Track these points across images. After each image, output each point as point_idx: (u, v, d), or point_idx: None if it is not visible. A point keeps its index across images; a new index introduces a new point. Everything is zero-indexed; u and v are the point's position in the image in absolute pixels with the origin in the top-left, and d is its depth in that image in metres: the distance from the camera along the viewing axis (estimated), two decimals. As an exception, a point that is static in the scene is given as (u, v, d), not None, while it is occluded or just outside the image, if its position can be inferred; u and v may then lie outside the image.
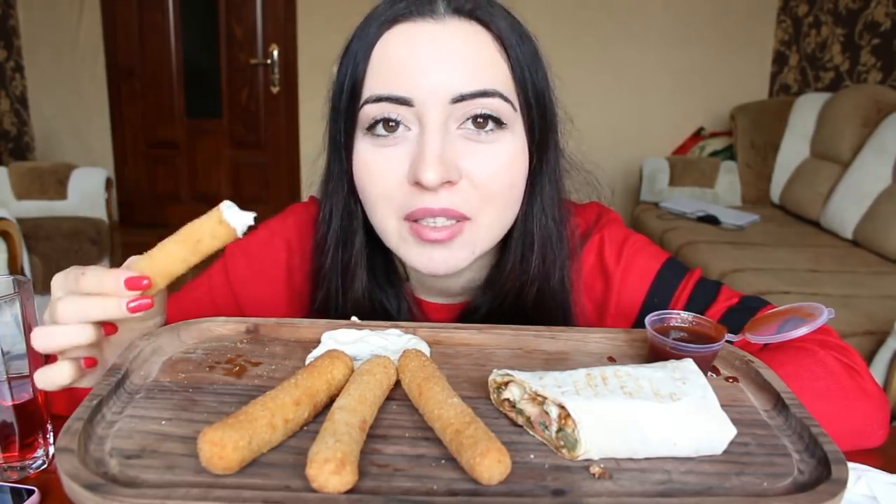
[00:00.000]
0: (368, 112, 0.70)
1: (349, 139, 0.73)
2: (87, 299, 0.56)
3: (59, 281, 0.58)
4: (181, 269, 0.57)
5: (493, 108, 0.69)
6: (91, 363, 0.59)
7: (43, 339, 0.56)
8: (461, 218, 0.70)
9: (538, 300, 0.80)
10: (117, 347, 0.62)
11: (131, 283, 0.55)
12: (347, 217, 0.79)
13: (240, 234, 0.57)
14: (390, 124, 0.70)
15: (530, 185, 0.76)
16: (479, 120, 0.69)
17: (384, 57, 0.70)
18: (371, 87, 0.70)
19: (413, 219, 0.70)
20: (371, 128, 0.71)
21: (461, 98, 0.68)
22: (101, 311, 0.56)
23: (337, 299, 0.81)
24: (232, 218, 0.56)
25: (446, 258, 0.72)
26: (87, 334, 0.56)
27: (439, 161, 0.67)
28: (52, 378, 0.58)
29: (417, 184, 0.68)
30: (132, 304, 0.55)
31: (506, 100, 0.70)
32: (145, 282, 0.55)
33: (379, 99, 0.69)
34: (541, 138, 0.75)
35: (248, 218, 0.56)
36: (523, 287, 0.79)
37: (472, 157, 0.69)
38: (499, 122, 0.70)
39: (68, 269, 0.58)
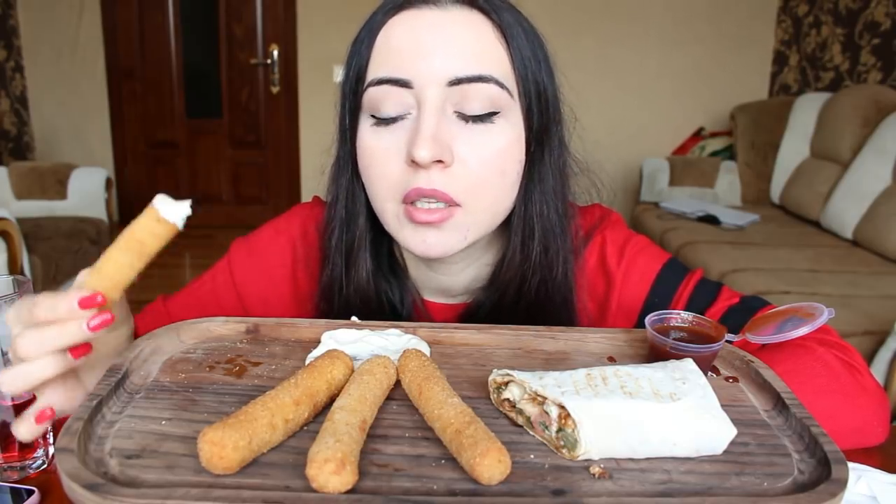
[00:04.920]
0: (371, 94, 0.72)
1: (354, 123, 0.76)
2: (45, 329, 0.53)
3: (13, 316, 0.55)
4: (132, 276, 0.55)
5: (488, 94, 0.71)
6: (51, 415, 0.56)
7: (12, 382, 0.54)
8: (451, 203, 0.71)
9: (540, 295, 0.80)
10: (92, 369, 0.61)
11: (85, 303, 0.52)
12: (351, 199, 0.80)
13: (180, 226, 0.54)
14: (391, 108, 0.72)
15: (529, 174, 0.77)
16: (474, 105, 0.71)
17: (387, 42, 0.72)
18: (374, 70, 0.73)
19: (408, 201, 0.72)
20: (373, 111, 0.73)
21: (458, 81, 0.70)
22: (62, 338, 0.53)
23: (341, 280, 0.82)
24: (168, 212, 0.53)
25: (439, 240, 0.73)
26: (54, 365, 0.54)
27: (433, 139, 0.68)
28: (23, 435, 0.55)
29: (413, 163, 0.69)
30: (93, 323, 0.53)
31: (502, 87, 0.71)
32: (99, 298, 0.53)
33: (381, 81, 0.71)
34: (540, 129, 0.76)
35: (183, 208, 0.54)
36: (525, 278, 0.79)
37: (467, 140, 0.71)
38: (494, 109, 0.71)
39: (19, 302, 0.55)
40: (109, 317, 0.54)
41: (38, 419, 0.55)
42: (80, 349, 0.55)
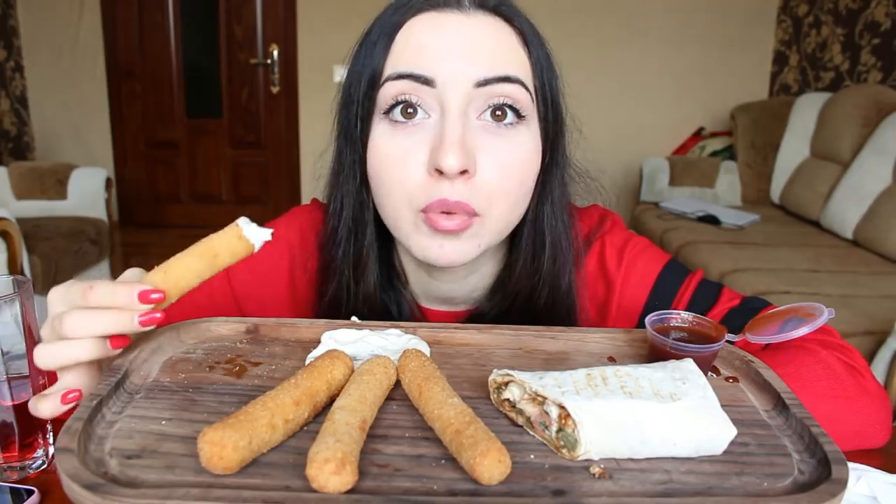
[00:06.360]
0: (388, 91, 0.70)
1: (365, 127, 0.73)
2: (98, 313, 0.53)
3: (59, 295, 0.56)
4: (195, 284, 0.56)
5: (514, 96, 0.69)
6: (77, 398, 0.56)
7: (48, 356, 0.54)
8: (472, 213, 0.70)
9: (548, 304, 0.79)
10: (109, 361, 0.61)
11: (144, 297, 0.53)
12: (359, 207, 0.78)
13: (257, 249, 0.56)
14: (409, 110, 0.69)
15: (541, 185, 0.77)
16: (497, 112, 0.70)
17: (407, 40, 0.70)
18: (392, 67, 0.70)
19: (429, 210, 0.69)
20: (389, 111, 0.70)
21: (484, 82, 0.68)
22: (113, 325, 0.53)
23: (348, 292, 0.80)
24: (251, 234, 0.55)
25: (456, 249, 0.71)
26: (94, 350, 0.54)
27: (460, 147, 0.66)
28: (44, 412, 0.55)
29: (436, 171, 0.67)
30: (143, 318, 0.53)
31: (526, 89, 0.70)
32: (159, 295, 0.53)
33: (401, 76, 0.69)
34: (553, 138, 0.75)
35: (265, 234, 0.56)
36: (534, 289, 0.79)
37: (490, 149, 0.69)
38: (518, 114, 0.70)
39: (69, 283, 0.55)
40: (160, 316, 0.54)
41: (65, 400, 0.55)
42: (121, 340, 0.55)
